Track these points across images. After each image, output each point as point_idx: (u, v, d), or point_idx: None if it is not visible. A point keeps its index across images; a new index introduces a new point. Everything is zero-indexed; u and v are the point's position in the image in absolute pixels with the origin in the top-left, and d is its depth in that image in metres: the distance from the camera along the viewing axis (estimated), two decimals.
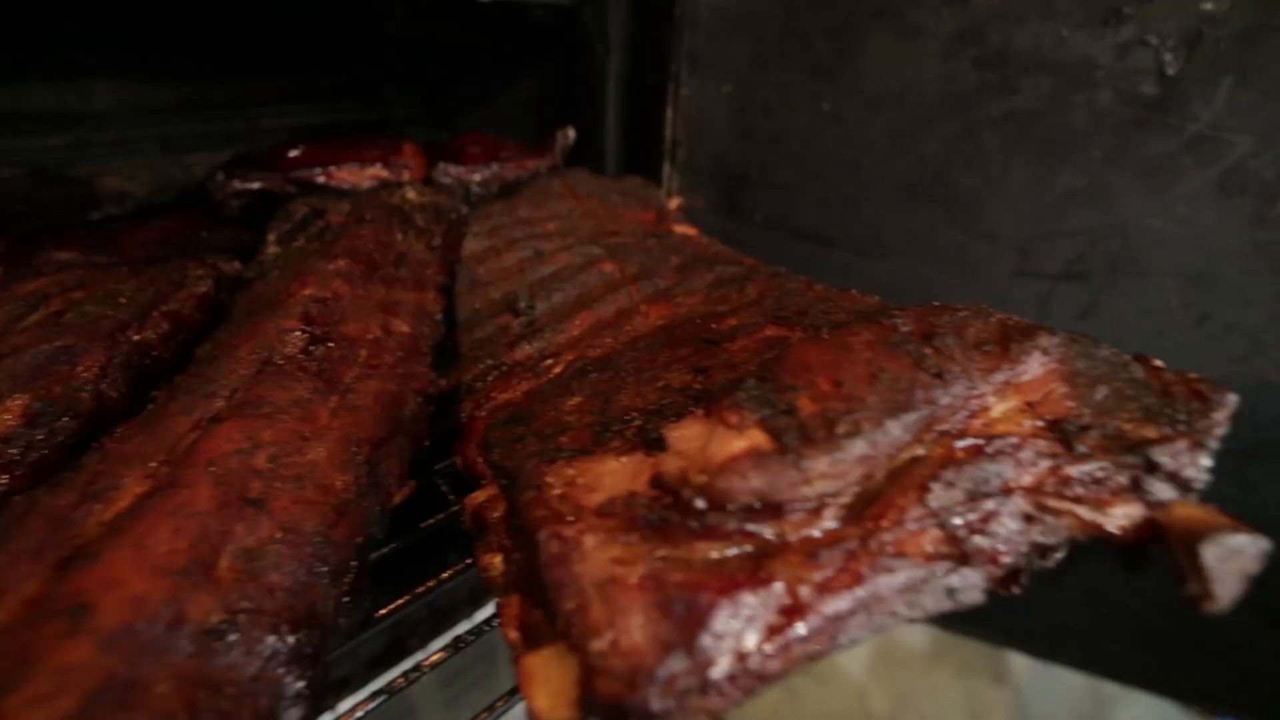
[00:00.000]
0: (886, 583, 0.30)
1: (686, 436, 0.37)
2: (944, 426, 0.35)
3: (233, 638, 0.33)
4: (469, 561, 0.52)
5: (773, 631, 0.28)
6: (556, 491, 0.36)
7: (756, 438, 0.32)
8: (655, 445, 0.37)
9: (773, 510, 0.31)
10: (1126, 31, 0.75)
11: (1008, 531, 0.32)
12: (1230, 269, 0.81)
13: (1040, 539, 0.33)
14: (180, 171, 1.17)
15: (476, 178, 0.93)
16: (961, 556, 0.31)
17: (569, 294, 0.69)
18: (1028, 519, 0.33)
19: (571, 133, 1.06)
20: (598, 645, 0.28)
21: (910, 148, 0.94)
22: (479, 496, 0.47)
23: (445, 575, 0.48)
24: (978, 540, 0.32)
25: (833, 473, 0.31)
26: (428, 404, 0.55)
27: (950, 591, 0.31)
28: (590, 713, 0.29)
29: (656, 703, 0.26)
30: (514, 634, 0.36)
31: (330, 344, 0.52)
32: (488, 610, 0.89)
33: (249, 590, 0.35)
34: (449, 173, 0.91)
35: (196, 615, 0.33)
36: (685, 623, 0.28)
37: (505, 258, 0.79)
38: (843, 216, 1.03)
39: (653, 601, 0.29)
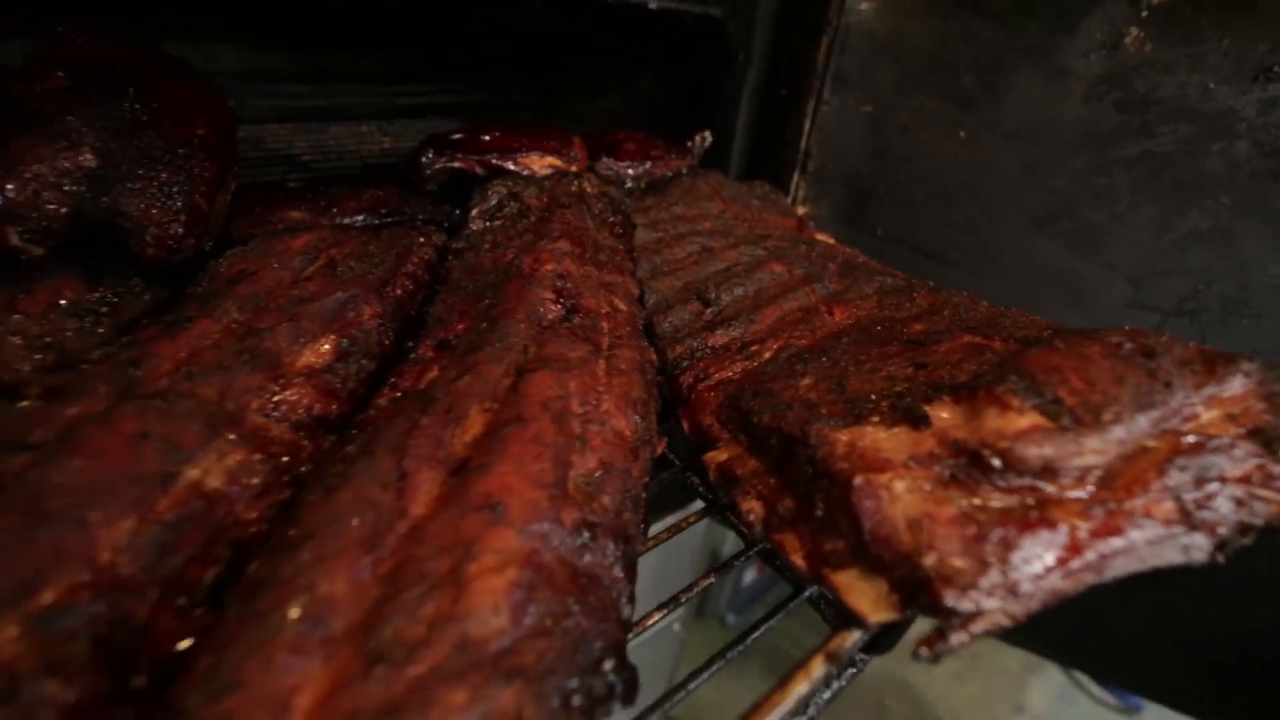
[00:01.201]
0: (1139, 535, 0.40)
1: (945, 416, 0.47)
2: (1167, 425, 0.45)
3: (592, 542, 0.43)
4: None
5: (1060, 561, 0.38)
6: (842, 450, 0.46)
7: (1036, 418, 0.42)
8: (921, 421, 0.47)
9: (1050, 474, 0.41)
10: (1274, 89, 0.84)
11: (1225, 510, 0.42)
12: None
13: (1246, 519, 0.43)
14: (333, 140, 1.28)
15: (631, 172, 1.03)
16: (1191, 525, 0.41)
17: (748, 289, 0.79)
18: (1238, 503, 0.43)
19: (709, 136, 1.16)
20: (930, 561, 0.38)
21: (1042, 179, 1.03)
22: (720, 455, 0.58)
23: (694, 518, 0.58)
24: (1203, 514, 0.41)
25: (1099, 449, 0.41)
26: (658, 373, 0.65)
27: (1184, 549, 0.40)
28: (913, 611, 0.39)
29: (983, 603, 0.36)
30: (801, 561, 0.46)
31: (580, 315, 0.63)
32: None
33: (593, 507, 0.45)
34: (610, 166, 1.01)
35: (568, 522, 0.43)
36: (999, 548, 0.38)
37: (675, 250, 0.89)
38: (964, 238, 1.13)
39: (969, 533, 0.39)
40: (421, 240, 0.78)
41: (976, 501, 0.40)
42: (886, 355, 0.60)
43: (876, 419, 0.49)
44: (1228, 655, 1.24)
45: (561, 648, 0.35)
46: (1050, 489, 0.40)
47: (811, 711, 0.41)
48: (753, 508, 0.52)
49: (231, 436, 0.47)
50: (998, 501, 0.40)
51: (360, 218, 0.83)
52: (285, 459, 0.49)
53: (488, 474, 0.43)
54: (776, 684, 0.38)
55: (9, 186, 0.57)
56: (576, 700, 0.34)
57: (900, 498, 0.41)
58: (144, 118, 0.65)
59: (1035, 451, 0.40)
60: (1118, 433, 0.41)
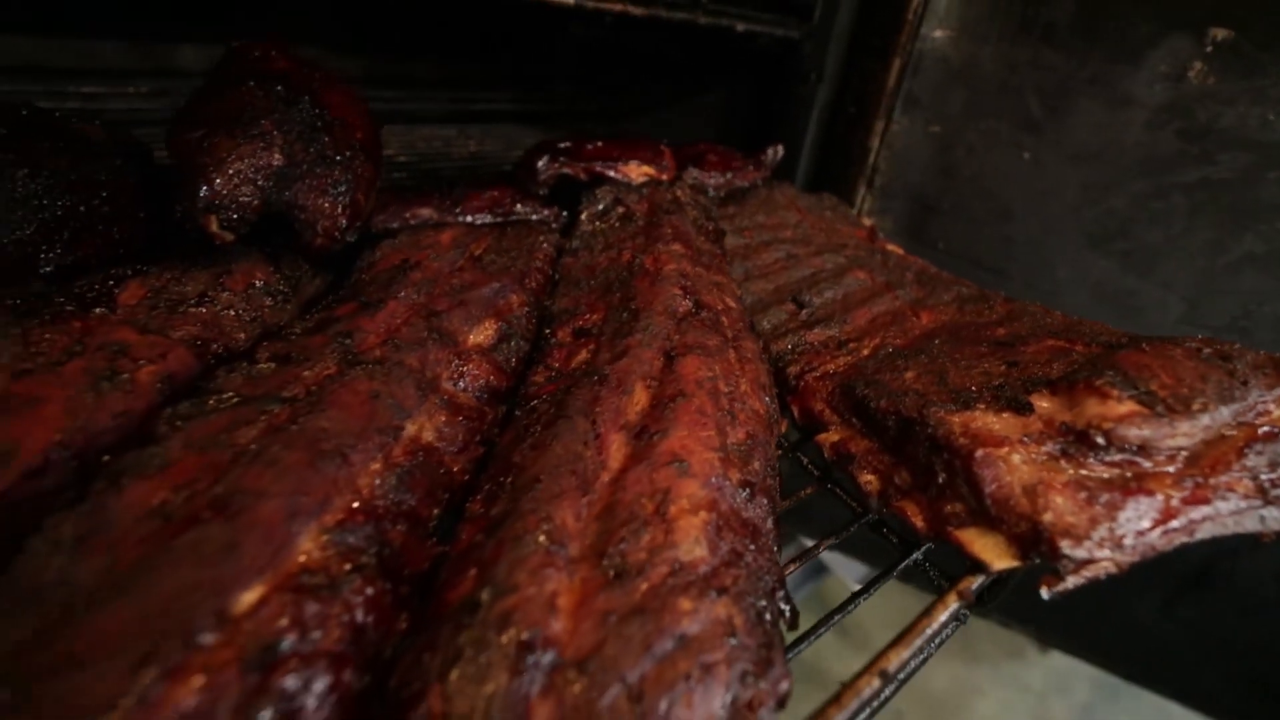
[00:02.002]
0: (1223, 506, 0.48)
1: (1046, 405, 0.55)
2: (1244, 418, 0.53)
3: (751, 498, 0.51)
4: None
5: (1157, 522, 0.46)
6: (959, 429, 0.55)
7: (1134, 406, 0.50)
8: (1025, 408, 0.55)
9: (1146, 452, 0.49)
10: None
11: None
12: None
13: None
14: (422, 143, 1.38)
15: (713, 183, 1.12)
16: (1266, 500, 0.49)
17: (837, 294, 0.88)
18: None
19: (781, 150, 1.25)
20: (1048, 518, 0.46)
21: (1100, 200, 1.11)
22: (833, 436, 0.66)
23: (811, 489, 0.66)
24: (1277, 492, 0.50)
25: (1188, 433, 0.49)
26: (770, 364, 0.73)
27: (1261, 519, 0.48)
28: (1032, 558, 0.47)
29: (1095, 552, 0.45)
30: (921, 523, 0.55)
31: (705, 310, 0.71)
32: None
33: (749, 470, 0.54)
34: (696, 177, 1.10)
35: (734, 479, 0.51)
36: (1106, 509, 0.46)
37: (763, 256, 0.98)
38: (1022, 253, 1.21)
39: (1080, 496, 0.47)
40: (542, 239, 0.87)
41: (1084, 472, 0.49)
42: (978, 354, 0.68)
43: (983, 406, 0.57)
44: (1267, 668, 1.30)
45: (747, 576, 0.44)
46: (1146, 464, 0.49)
47: (932, 647, 0.49)
48: (869, 480, 0.60)
49: (436, 400, 0.56)
50: (1102, 473, 0.49)
51: (482, 216, 0.92)
52: (475, 422, 0.58)
53: (667, 438, 0.51)
54: (923, 612, 0.47)
55: (217, 181, 0.67)
56: (766, 616, 0.42)
57: (1017, 468, 0.50)
58: (319, 123, 0.75)
59: (1135, 432, 0.48)
60: (1204, 420, 0.50)
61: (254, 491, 0.42)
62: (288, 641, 0.36)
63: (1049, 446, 0.51)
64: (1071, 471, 0.49)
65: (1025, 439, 0.51)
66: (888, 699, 0.42)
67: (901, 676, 0.46)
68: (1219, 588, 1.27)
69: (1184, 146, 1.02)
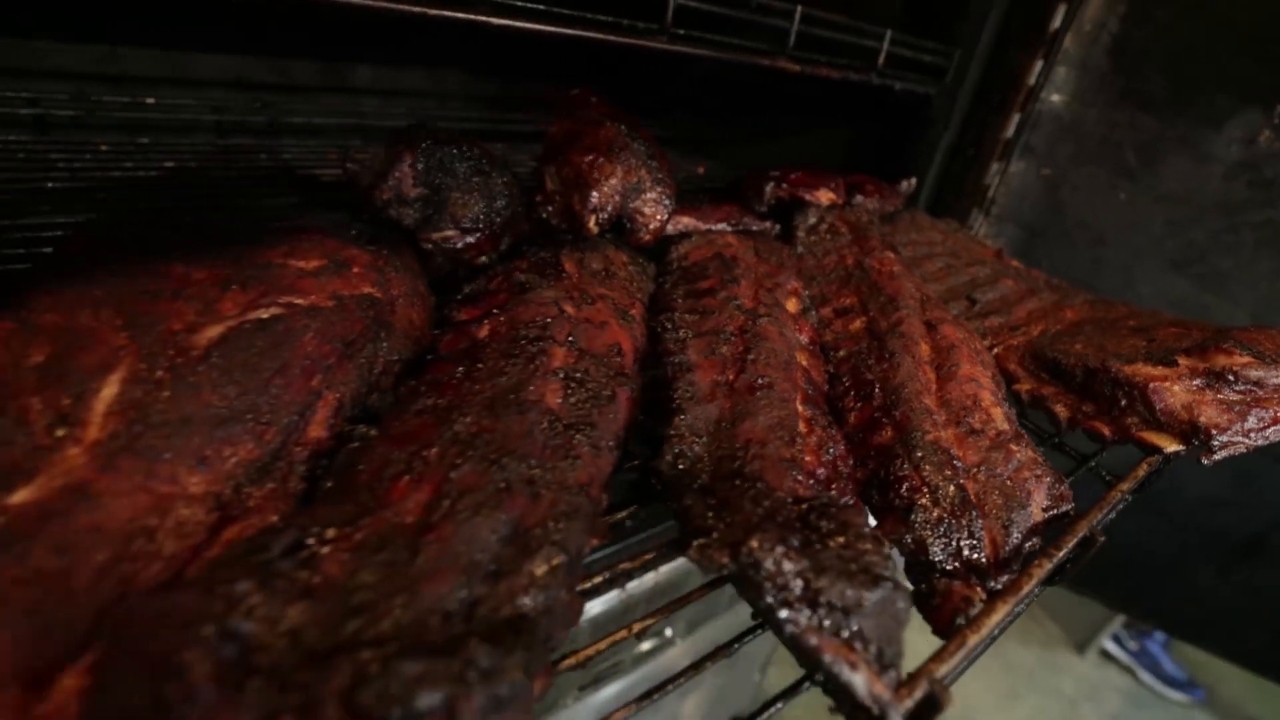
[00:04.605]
0: None
1: (1184, 361, 0.92)
2: None
3: (1010, 408, 0.88)
4: None
5: (1268, 424, 0.83)
6: (1131, 371, 0.92)
7: (1250, 359, 0.87)
8: (1172, 364, 0.92)
9: (1259, 385, 0.86)
10: None
11: None
12: None
13: None
14: None
15: (871, 207, 1.50)
16: None
17: (996, 295, 1.25)
18: None
19: (915, 182, 1.62)
20: (1203, 419, 0.83)
21: (1182, 233, 1.50)
22: (1025, 385, 1.03)
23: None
24: None
25: None
26: None
27: None
28: (1192, 443, 0.84)
29: (1233, 439, 0.82)
30: (1109, 433, 0.91)
31: (929, 298, 1.08)
32: None
33: (1002, 392, 0.90)
34: (861, 201, 1.48)
35: (999, 394, 0.88)
36: (1238, 415, 0.83)
37: (927, 266, 1.35)
38: (1114, 274, 1.59)
39: (1221, 407, 0.84)
40: (780, 245, 1.24)
41: (1220, 395, 0.86)
42: (1122, 335, 1.06)
43: (1141, 362, 0.95)
44: None
45: (1030, 444, 0.80)
46: (1260, 392, 0.86)
47: (1137, 492, 0.85)
48: (1061, 410, 0.97)
49: (799, 344, 0.92)
50: (1232, 396, 0.86)
51: (721, 225, 1.29)
52: (816, 359, 0.94)
53: (960, 368, 0.88)
54: (1116, 482, 0.83)
55: (603, 191, 1.03)
56: (1049, 464, 0.79)
57: (1177, 394, 0.87)
58: (649, 153, 1.11)
59: (1254, 373, 0.86)
60: None
61: (771, 377, 0.78)
62: (832, 449, 0.72)
63: (1196, 382, 0.88)
64: (1212, 394, 0.86)
65: (1178, 377, 0.89)
66: (1120, 512, 0.79)
67: (1130, 499, 0.82)
68: (1271, 555, 1.63)
69: (1252, 194, 1.41)
